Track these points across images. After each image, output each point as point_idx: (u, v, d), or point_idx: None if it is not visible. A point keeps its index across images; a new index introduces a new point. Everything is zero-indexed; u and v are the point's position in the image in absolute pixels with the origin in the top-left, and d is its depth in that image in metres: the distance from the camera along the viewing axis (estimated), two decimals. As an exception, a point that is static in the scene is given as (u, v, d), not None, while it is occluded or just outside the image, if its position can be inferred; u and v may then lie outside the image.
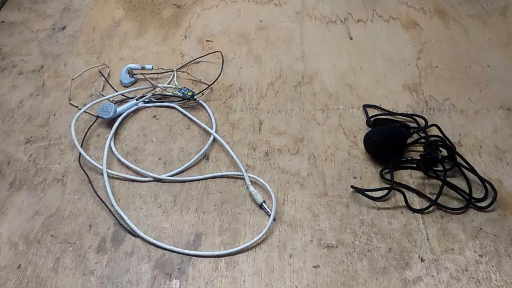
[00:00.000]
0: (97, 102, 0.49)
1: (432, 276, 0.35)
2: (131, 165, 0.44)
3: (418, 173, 0.42)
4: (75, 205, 0.41)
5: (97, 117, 0.48)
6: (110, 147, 0.45)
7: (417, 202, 0.40)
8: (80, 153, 0.44)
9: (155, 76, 0.54)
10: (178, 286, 0.35)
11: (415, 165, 0.43)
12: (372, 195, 0.40)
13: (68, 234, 0.39)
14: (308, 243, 0.38)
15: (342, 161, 0.44)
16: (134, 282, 0.36)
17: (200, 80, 0.53)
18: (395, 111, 0.48)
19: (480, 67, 0.54)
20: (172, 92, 0.51)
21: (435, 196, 0.40)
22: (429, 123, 0.46)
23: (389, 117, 0.48)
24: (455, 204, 0.40)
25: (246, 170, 0.43)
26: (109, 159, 0.45)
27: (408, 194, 0.40)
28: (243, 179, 0.42)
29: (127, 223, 0.39)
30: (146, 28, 0.62)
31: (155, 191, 0.42)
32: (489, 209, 0.39)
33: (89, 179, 0.43)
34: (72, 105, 0.51)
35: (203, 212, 0.40)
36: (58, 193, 0.42)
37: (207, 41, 0.59)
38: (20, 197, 0.42)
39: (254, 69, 0.54)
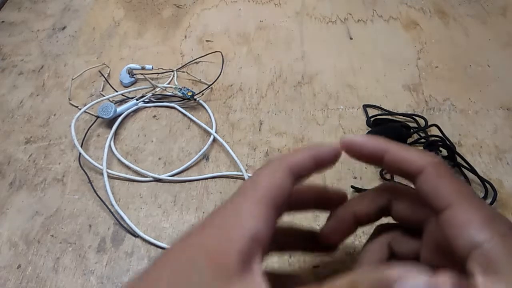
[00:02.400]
0: (97, 102, 0.49)
1: (432, 276, 0.35)
2: (131, 165, 0.44)
3: (418, 173, 0.42)
4: (75, 205, 0.41)
5: (97, 117, 0.48)
6: (110, 147, 0.45)
7: (417, 202, 0.40)
8: (80, 153, 0.44)
9: (155, 76, 0.54)
10: (178, 286, 0.35)
11: (415, 165, 0.42)
12: (372, 195, 0.40)
13: (68, 234, 0.39)
14: (308, 243, 0.38)
15: (342, 161, 0.43)
16: (134, 282, 0.36)
17: (200, 80, 0.53)
18: (395, 111, 0.48)
19: (480, 67, 0.54)
20: (172, 92, 0.51)
21: (435, 196, 0.39)
22: (429, 123, 0.46)
23: (389, 117, 0.48)
24: (455, 204, 0.40)
25: (246, 170, 0.43)
26: (109, 159, 0.45)
27: (408, 194, 0.40)
28: (243, 179, 0.42)
29: (127, 223, 0.39)
30: (146, 28, 0.62)
31: (155, 191, 0.42)
32: (489, 209, 0.39)
33: (89, 179, 0.43)
34: (72, 105, 0.51)
35: (203, 212, 0.40)
36: (58, 193, 0.42)
37: (207, 41, 0.59)
38: (20, 197, 0.42)
39: (254, 69, 0.54)
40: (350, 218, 0.29)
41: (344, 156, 0.46)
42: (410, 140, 0.45)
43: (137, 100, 0.50)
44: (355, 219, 0.29)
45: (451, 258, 0.22)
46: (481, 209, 0.22)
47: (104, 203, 0.41)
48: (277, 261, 0.36)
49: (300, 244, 0.31)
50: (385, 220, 0.35)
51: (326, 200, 0.29)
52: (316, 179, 0.42)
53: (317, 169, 0.26)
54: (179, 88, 0.50)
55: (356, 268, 0.28)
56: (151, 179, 0.43)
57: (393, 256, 0.28)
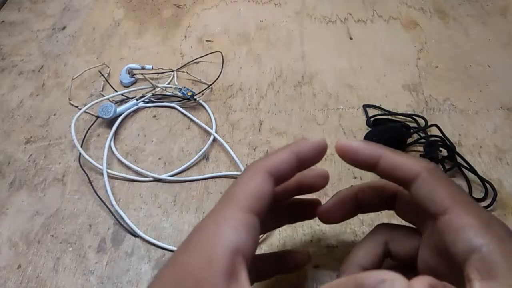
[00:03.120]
0: (97, 102, 0.49)
1: (432, 276, 0.35)
2: (131, 165, 0.44)
3: (418, 173, 0.42)
4: (75, 205, 0.41)
5: (97, 117, 0.48)
6: (110, 147, 0.45)
7: (417, 202, 0.40)
8: (80, 153, 0.44)
9: (155, 76, 0.54)
10: (178, 286, 0.35)
11: (415, 165, 0.42)
12: (372, 195, 0.40)
13: (68, 234, 0.39)
14: (308, 243, 0.38)
15: (342, 161, 0.43)
16: (134, 282, 0.36)
17: (200, 80, 0.53)
18: (395, 111, 0.48)
19: (480, 67, 0.54)
20: (172, 92, 0.51)
21: (435, 196, 0.39)
22: (429, 123, 0.46)
23: (389, 117, 0.48)
24: (455, 204, 0.40)
25: (246, 170, 0.42)
26: (109, 159, 0.45)
27: (408, 194, 0.40)
28: (243, 179, 0.42)
29: (127, 223, 0.39)
30: (146, 28, 0.62)
31: (155, 191, 0.42)
32: (489, 209, 0.39)
33: (89, 179, 0.43)
34: (72, 105, 0.51)
35: (203, 212, 0.40)
36: (58, 193, 0.42)
37: (207, 41, 0.59)
38: (20, 197, 0.42)
39: (254, 69, 0.54)
40: (352, 202, 0.29)
41: (344, 156, 0.45)
42: (410, 140, 0.45)
43: (137, 100, 0.50)
44: (357, 203, 0.29)
45: (449, 261, 0.22)
46: (478, 214, 0.22)
47: (104, 203, 0.41)
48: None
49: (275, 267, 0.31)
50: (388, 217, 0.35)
51: (308, 183, 0.29)
52: (316, 179, 0.42)
53: (301, 166, 0.26)
54: (179, 88, 0.50)
55: (347, 262, 0.29)
56: (151, 179, 0.43)
57: (389, 255, 0.28)
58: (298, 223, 0.39)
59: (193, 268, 0.21)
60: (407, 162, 0.24)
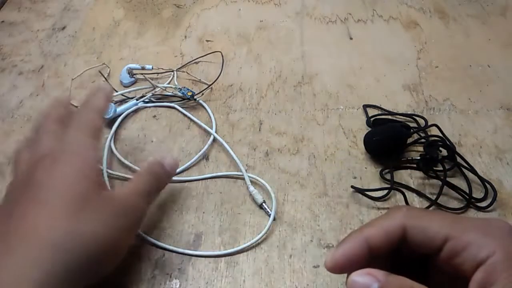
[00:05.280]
0: (97, 102, 0.49)
1: (432, 276, 0.35)
2: (131, 165, 0.44)
3: (418, 173, 0.42)
4: (75, 205, 0.41)
5: (97, 117, 0.48)
6: (110, 147, 0.45)
7: (417, 202, 0.40)
8: (80, 153, 0.44)
9: (155, 76, 0.54)
10: (178, 286, 0.35)
11: (415, 165, 0.42)
12: (372, 195, 0.40)
13: (68, 234, 0.39)
14: (308, 243, 0.38)
15: (342, 161, 0.44)
16: (134, 282, 0.36)
17: (200, 80, 0.53)
18: (395, 111, 0.48)
19: (480, 67, 0.54)
20: (172, 92, 0.51)
21: (435, 196, 0.40)
22: (429, 123, 0.46)
23: (389, 117, 0.48)
24: (455, 204, 0.40)
25: (246, 170, 0.43)
26: (109, 159, 0.45)
27: (408, 194, 0.40)
28: (243, 179, 0.42)
29: (127, 223, 0.39)
30: (146, 28, 0.62)
31: (155, 191, 0.42)
32: (489, 209, 0.39)
33: (89, 179, 0.43)
34: (72, 105, 0.51)
35: (203, 212, 0.40)
36: (58, 193, 0.42)
37: (207, 41, 0.59)
38: (20, 197, 0.42)
39: (254, 69, 0.54)
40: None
41: (344, 155, 0.46)
42: (410, 140, 0.45)
43: (137, 100, 0.50)
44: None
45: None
46: (475, 226, 0.22)
47: (104, 203, 0.41)
48: (277, 261, 0.36)
49: None
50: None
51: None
52: (315, 178, 0.42)
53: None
54: (179, 88, 0.50)
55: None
56: (151, 179, 0.43)
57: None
58: (298, 223, 0.39)
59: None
60: (384, 224, 0.24)
